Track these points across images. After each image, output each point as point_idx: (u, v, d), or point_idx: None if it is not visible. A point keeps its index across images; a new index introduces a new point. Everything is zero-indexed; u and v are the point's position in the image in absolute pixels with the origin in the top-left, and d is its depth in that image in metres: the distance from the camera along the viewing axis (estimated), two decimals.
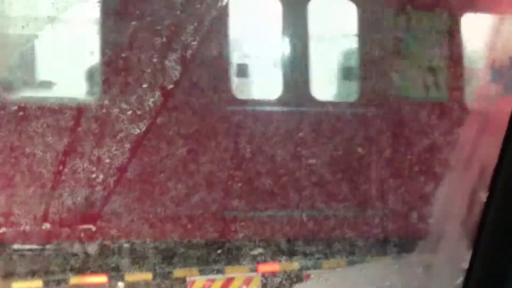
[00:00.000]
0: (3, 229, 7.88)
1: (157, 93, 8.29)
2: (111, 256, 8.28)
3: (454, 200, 7.83)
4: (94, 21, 8.41)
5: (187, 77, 8.46)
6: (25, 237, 7.98)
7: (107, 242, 8.24)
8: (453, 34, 9.12)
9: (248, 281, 8.53)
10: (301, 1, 9.06)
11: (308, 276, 8.62)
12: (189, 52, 8.40)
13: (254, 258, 8.67)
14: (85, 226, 8.10)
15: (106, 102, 8.23)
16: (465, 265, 2.57)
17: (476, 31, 9.16)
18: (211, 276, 8.47)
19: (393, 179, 8.89)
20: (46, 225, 7.96)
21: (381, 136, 8.93)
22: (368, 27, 9.05)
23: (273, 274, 8.66)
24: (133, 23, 8.25)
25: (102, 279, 8.23)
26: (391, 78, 9.06)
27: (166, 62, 8.29)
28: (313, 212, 8.68)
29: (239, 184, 8.59)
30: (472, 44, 9.22)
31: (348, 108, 8.96)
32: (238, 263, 8.64)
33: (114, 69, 8.39)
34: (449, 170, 8.27)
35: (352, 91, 9.13)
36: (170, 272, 8.42)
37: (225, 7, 8.57)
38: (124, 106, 8.20)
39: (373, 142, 8.89)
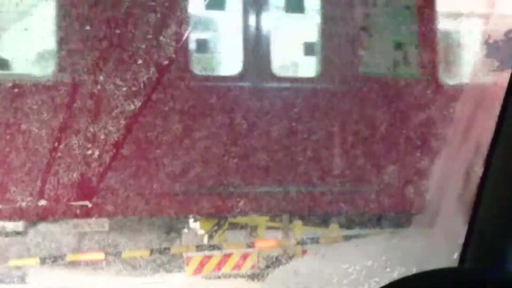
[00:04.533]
0: None
1: None
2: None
3: (450, 175, 7.82)
4: None
5: None
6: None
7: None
8: None
9: (245, 257, 8.53)
10: None
11: (305, 252, 8.63)
12: None
13: (251, 234, 8.68)
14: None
15: None
16: (461, 240, 2.56)
17: None
18: (208, 252, 8.47)
19: None
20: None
21: None
22: None
23: (270, 250, 8.66)
24: None
25: (99, 256, 8.22)
26: None
27: None
28: None
29: None
30: None
31: None
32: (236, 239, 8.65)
33: None
34: (445, 145, 8.27)
35: None
36: (167, 249, 8.41)
37: None
38: None
39: None
